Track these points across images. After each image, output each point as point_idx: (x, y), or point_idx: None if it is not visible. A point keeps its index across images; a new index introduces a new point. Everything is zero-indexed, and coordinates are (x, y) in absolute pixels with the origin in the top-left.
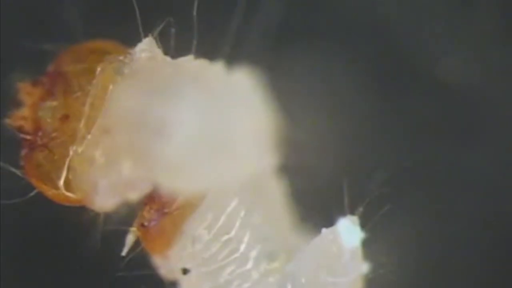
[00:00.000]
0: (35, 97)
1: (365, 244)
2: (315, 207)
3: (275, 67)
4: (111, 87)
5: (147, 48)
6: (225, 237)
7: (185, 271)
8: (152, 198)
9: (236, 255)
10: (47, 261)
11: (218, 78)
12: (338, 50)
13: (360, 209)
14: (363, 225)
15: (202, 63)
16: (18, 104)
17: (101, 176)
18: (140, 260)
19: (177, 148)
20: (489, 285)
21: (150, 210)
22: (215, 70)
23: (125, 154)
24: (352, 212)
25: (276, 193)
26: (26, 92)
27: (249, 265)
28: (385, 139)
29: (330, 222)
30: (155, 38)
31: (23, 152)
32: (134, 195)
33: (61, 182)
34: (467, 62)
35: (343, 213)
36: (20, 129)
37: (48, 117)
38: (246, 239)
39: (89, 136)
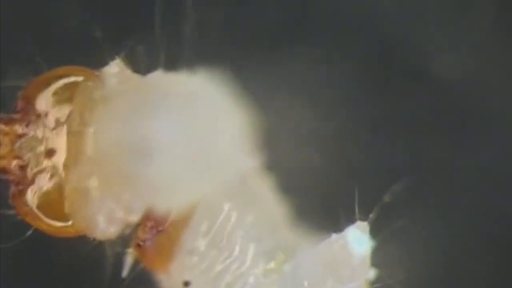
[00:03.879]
0: (11, 134)
1: (374, 251)
2: (325, 211)
3: (272, 69)
4: (87, 115)
5: (116, 70)
6: (220, 244)
7: (186, 284)
8: (145, 218)
9: (232, 259)
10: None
11: (188, 89)
12: (334, 50)
13: (371, 215)
14: (373, 233)
15: (171, 77)
16: None
17: (98, 206)
18: (143, 277)
19: (160, 166)
20: None
21: (145, 229)
22: (183, 81)
23: (117, 180)
24: (362, 218)
25: (267, 193)
26: (0, 131)
27: (247, 267)
28: (394, 144)
29: (339, 226)
30: (122, 59)
31: (12, 191)
32: (134, 218)
33: (57, 217)
34: (463, 59)
35: (353, 219)
36: (3, 170)
37: (30, 153)
38: (240, 243)
39: (78, 168)
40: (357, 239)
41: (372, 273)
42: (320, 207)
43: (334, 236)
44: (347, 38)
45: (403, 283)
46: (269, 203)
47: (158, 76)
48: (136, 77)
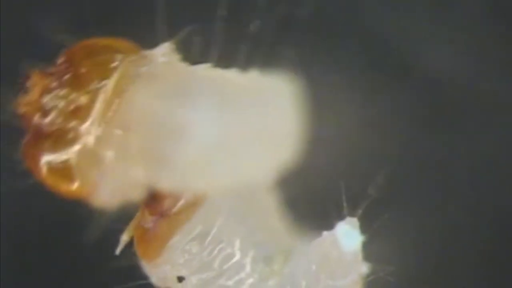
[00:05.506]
0: (44, 84)
1: (365, 245)
2: (314, 209)
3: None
4: (126, 86)
5: (165, 53)
6: (218, 245)
7: (180, 279)
8: (155, 200)
9: (231, 262)
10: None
11: (237, 82)
12: (324, 48)
13: (360, 211)
14: (362, 227)
15: (220, 70)
16: (24, 91)
17: (107, 173)
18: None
19: (196, 149)
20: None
21: (152, 211)
22: (232, 75)
23: (137, 154)
24: (351, 214)
25: (267, 195)
26: (35, 79)
27: (246, 270)
28: (380, 137)
29: (330, 223)
30: (175, 44)
31: (25, 138)
32: (138, 196)
33: (64, 174)
34: (455, 56)
35: (342, 215)
36: (24, 115)
37: (57, 107)
38: (239, 245)
39: (100, 131)
40: (347, 234)
41: (365, 268)
42: (309, 204)
43: (324, 233)
44: (337, 37)
45: (394, 274)
46: (269, 206)
47: (206, 68)
48: (183, 64)
